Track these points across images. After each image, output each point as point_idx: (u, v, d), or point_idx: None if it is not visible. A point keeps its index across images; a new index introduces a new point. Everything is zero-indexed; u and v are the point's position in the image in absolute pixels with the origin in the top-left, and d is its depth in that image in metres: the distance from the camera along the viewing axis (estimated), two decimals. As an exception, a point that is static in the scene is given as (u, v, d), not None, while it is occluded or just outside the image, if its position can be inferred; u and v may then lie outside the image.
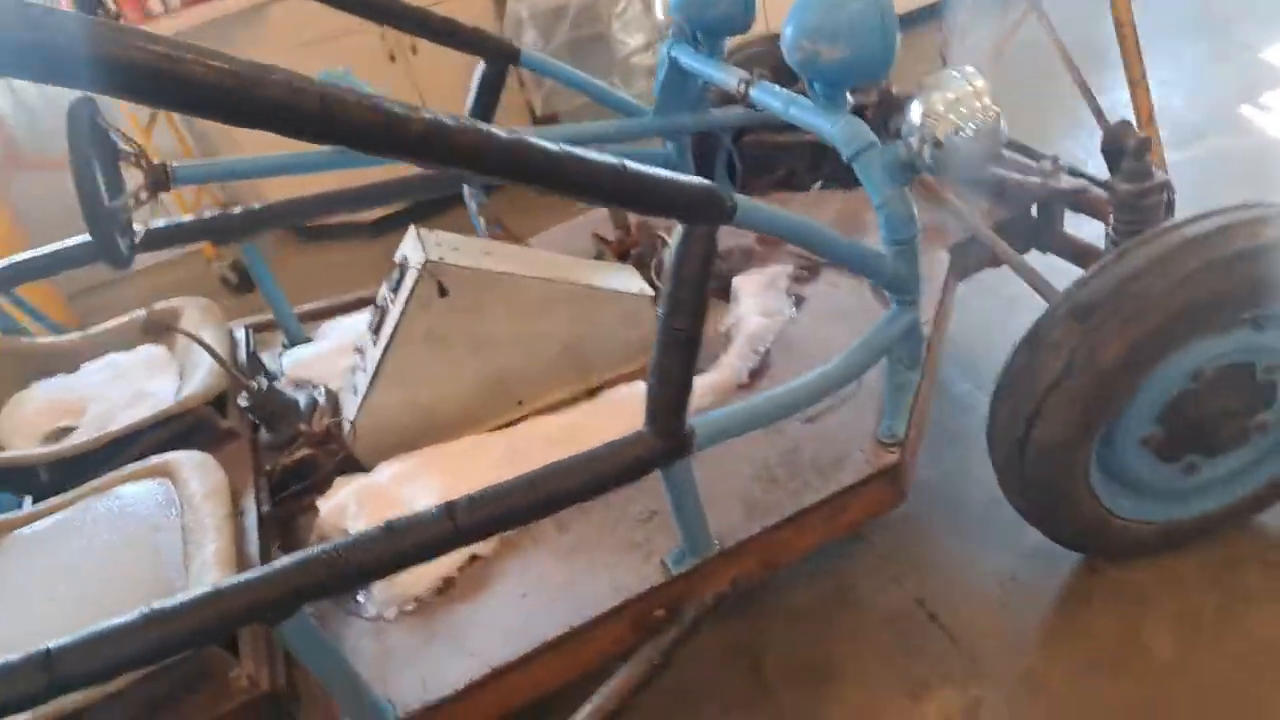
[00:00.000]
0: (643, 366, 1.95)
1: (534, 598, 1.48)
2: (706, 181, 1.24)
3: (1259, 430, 1.60)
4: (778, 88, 1.74)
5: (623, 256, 2.22)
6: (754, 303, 1.97)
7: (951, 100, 1.37)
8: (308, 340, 2.27)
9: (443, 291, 1.69)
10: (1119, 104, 3.33)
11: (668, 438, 1.30)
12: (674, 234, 1.24)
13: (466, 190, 2.36)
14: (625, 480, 1.29)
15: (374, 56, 3.54)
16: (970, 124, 1.37)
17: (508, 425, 1.83)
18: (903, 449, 1.56)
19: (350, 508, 1.61)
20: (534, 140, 1.08)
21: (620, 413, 1.78)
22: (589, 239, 2.30)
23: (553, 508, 1.26)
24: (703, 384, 1.79)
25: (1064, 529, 1.67)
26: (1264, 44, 3.61)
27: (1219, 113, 3.22)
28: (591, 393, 1.90)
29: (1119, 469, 1.62)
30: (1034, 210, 2.07)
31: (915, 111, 1.41)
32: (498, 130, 1.05)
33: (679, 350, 1.27)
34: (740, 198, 1.27)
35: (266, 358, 2.17)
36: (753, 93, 1.79)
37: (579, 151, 1.12)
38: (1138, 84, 1.79)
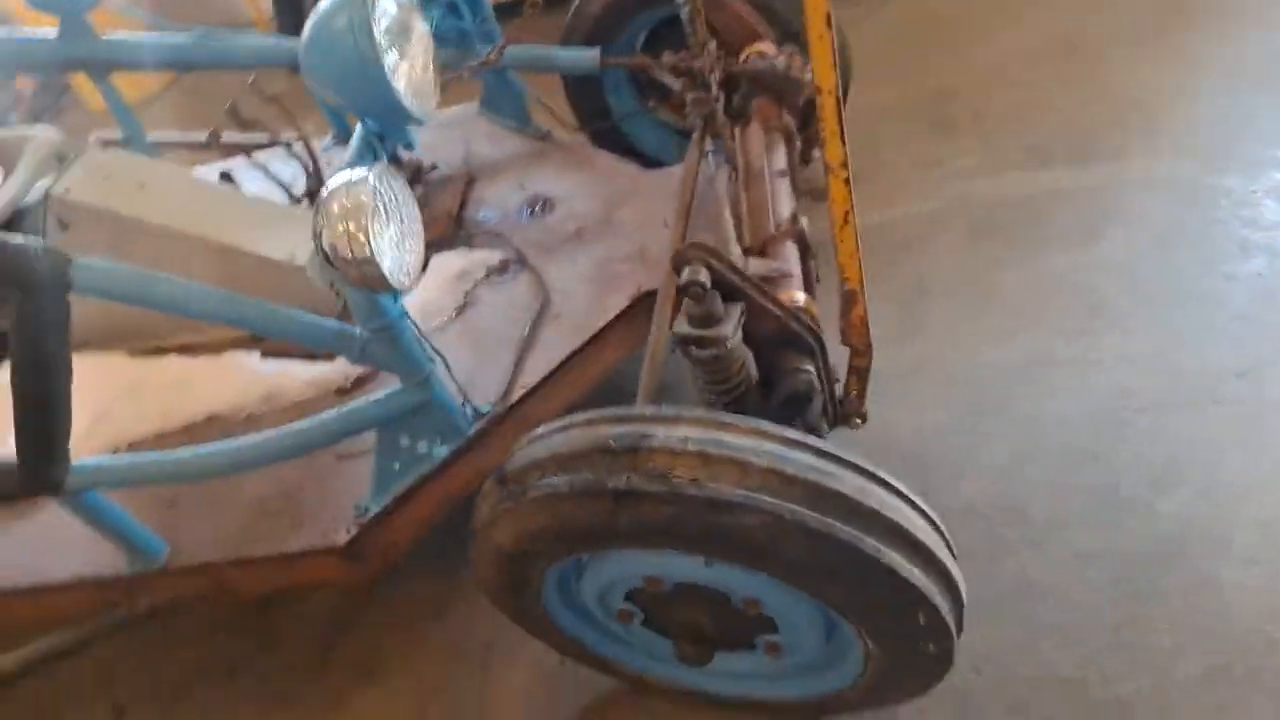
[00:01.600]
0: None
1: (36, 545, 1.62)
2: (18, 242, 1.13)
3: (771, 651, 1.33)
4: None
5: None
6: (424, 296, 1.80)
7: (338, 211, 1.10)
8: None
9: (63, 226, 1.71)
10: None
11: (35, 478, 1.31)
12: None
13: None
14: None
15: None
16: (361, 247, 1.10)
17: (154, 352, 1.88)
18: (367, 529, 1.46)
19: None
20: None
21: (239, 381, 1.77)
22: None
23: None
24: (302, 375, 1.74)
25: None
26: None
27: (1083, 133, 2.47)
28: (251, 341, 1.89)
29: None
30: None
31: (321, 206, 1.14)
32: None
33: (35, 409, 1.25)
34: (90, 264, 1.16)
35: None
36: None
37: None
38: (835, 173, 1.29)
